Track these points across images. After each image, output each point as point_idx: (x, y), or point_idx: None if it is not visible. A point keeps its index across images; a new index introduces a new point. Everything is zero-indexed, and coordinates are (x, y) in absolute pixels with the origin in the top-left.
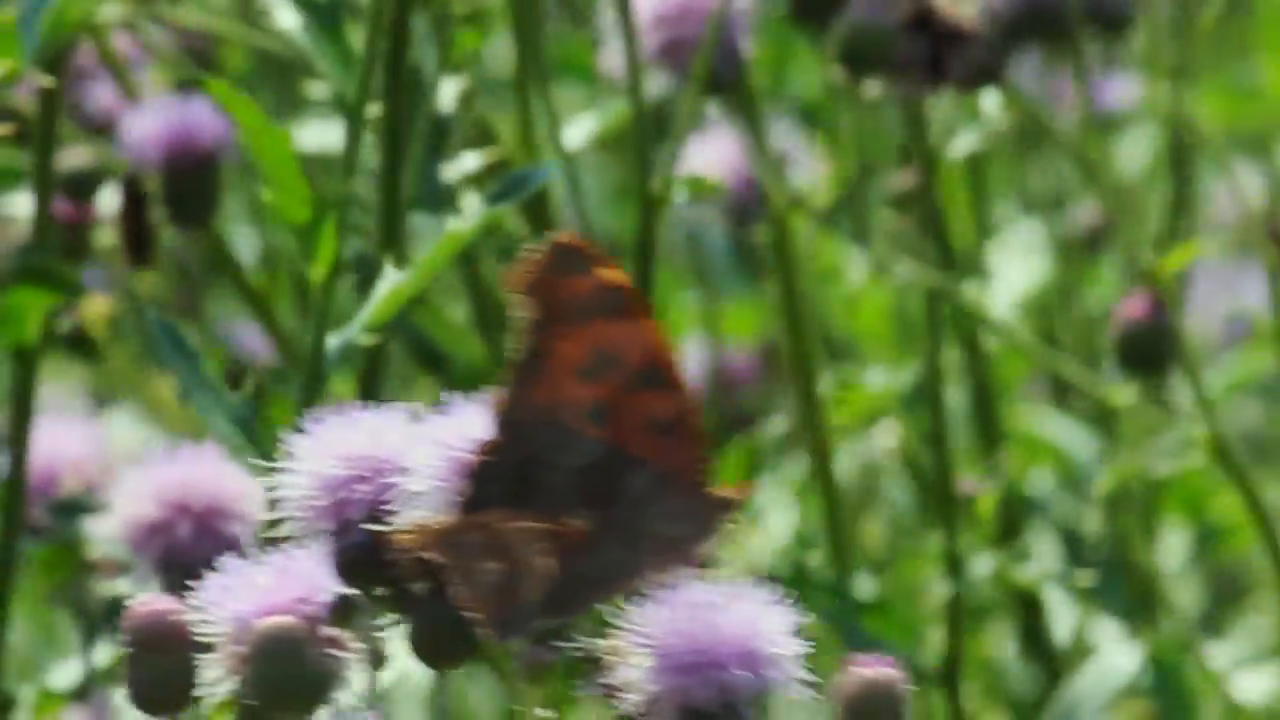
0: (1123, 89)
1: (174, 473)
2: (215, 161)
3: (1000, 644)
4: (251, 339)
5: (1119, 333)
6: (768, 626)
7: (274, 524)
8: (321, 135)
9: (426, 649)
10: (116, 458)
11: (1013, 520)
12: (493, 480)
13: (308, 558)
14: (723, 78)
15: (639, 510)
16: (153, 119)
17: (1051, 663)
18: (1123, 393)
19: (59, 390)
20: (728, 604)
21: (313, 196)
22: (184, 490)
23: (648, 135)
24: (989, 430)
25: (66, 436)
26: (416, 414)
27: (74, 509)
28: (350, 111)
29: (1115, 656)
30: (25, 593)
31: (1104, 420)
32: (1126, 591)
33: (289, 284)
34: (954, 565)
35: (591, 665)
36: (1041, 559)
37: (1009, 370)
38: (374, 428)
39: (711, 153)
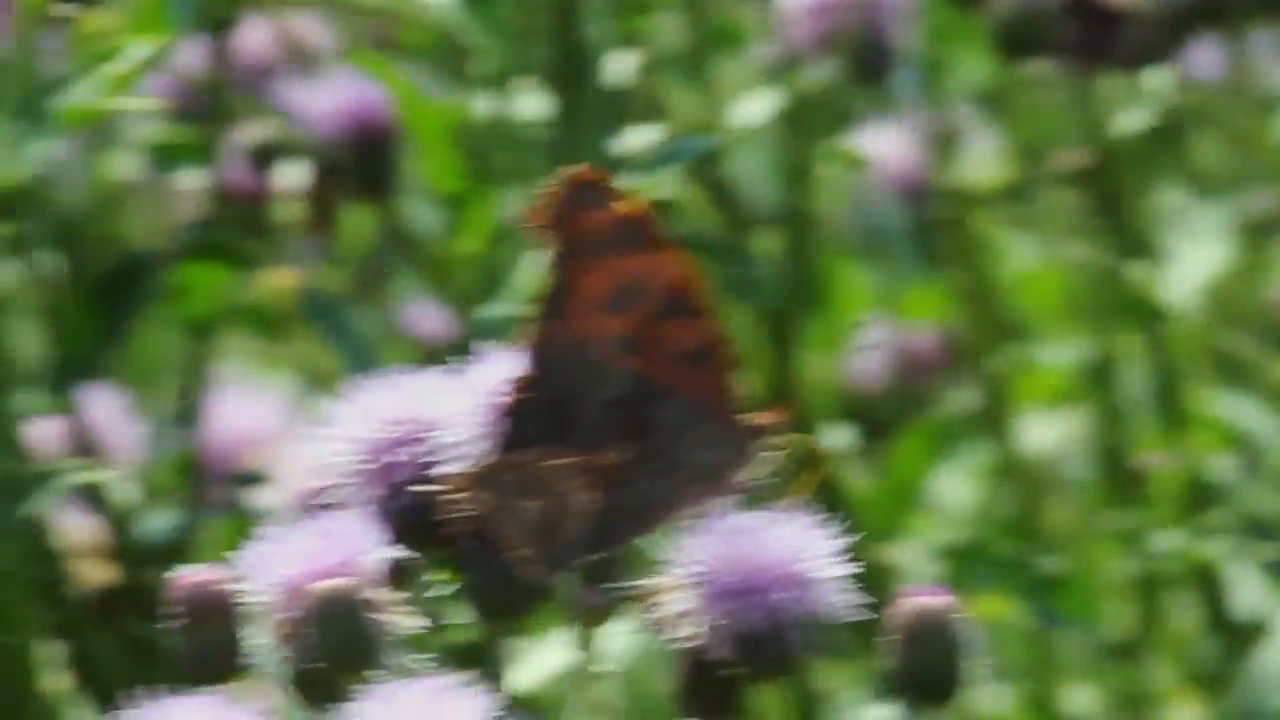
0: None
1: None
2: (394, 135)
3: (1183, 619)
4: (429, 316)
5: None
6: (812, 550)
7: (322, 491)
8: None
9: (484, 605)
10: (293, 430)
11: (1194, 501)
12: (527, 418)
13: (350, 521)
14: (876, 66)
15: (673, 440)
16: (334, 93)
17: (1233, 639)
18: None
19: (237, 364)
20: (771, 529)
21: (465, 168)
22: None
23: (813, 113)
24: (1171, 411)
25: (244, 410)
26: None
27: (250, 482)
28: (514, 85)
29: None
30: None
31: None
32: None
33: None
34: (1137, 541)
35: (642, 603)
36: (1223, 537)
37: (1188, 351)
38: (415, 389)
39: (888, 135)
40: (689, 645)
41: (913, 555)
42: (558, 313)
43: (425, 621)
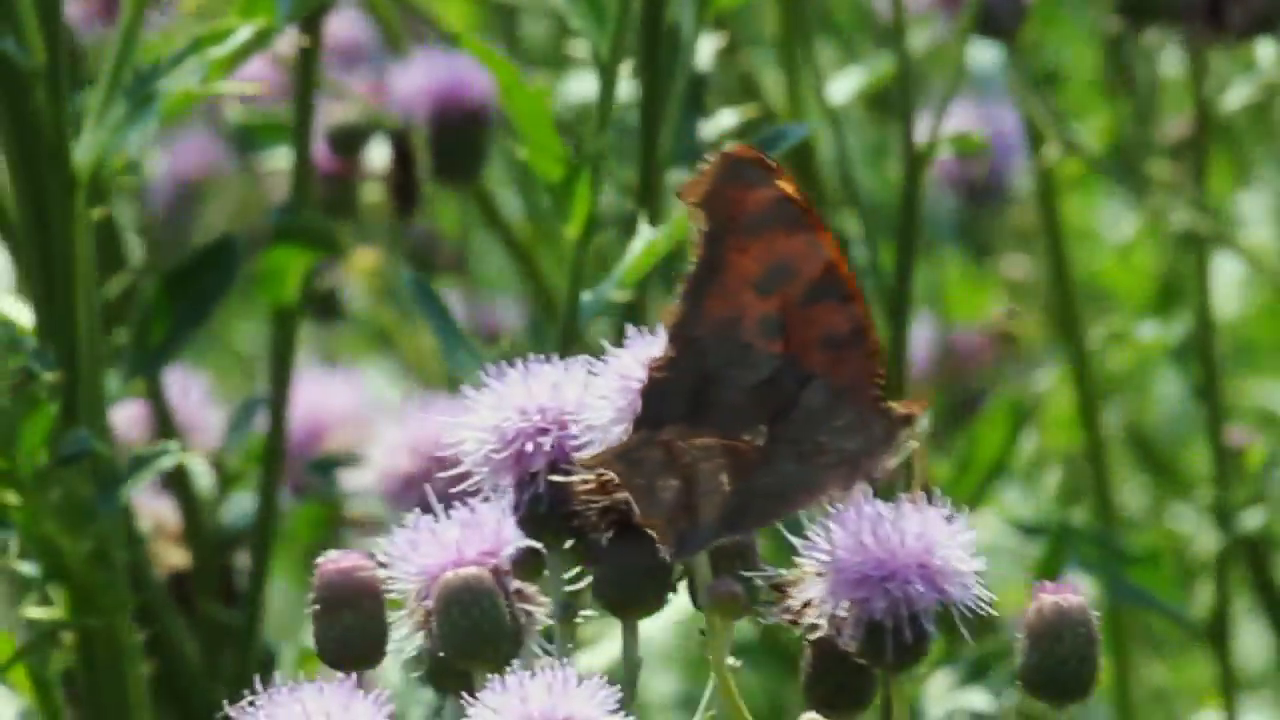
0: None
1: (429, 426)
2: (483, 117)
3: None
4: (506, 304)
5: None
6: (946, 541)
7: (460, 478)
8: (582, 90)
9: (613, 598)
10: (376, 413)
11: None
12: (669, 397)
13: (493, 511)
14: (1001, 22)
15: (814, 425)
16: (422, 74)
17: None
18: None
19: (321, 348)
20: (906, 519)
21: (567, 154)
22: (439, 443)
23: (912, 90)
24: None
25: (328, 393)
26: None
27: (333, 465)
28: (604, 68)
29: None
30: (286, 551)
31: None
32: None
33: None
34: (1223, 517)
35: (775, 592)
36: None
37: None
38: (555, 379)
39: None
40: (818, 633)
41: (994, 533)
42: (704, 292)
43: (557, 613)
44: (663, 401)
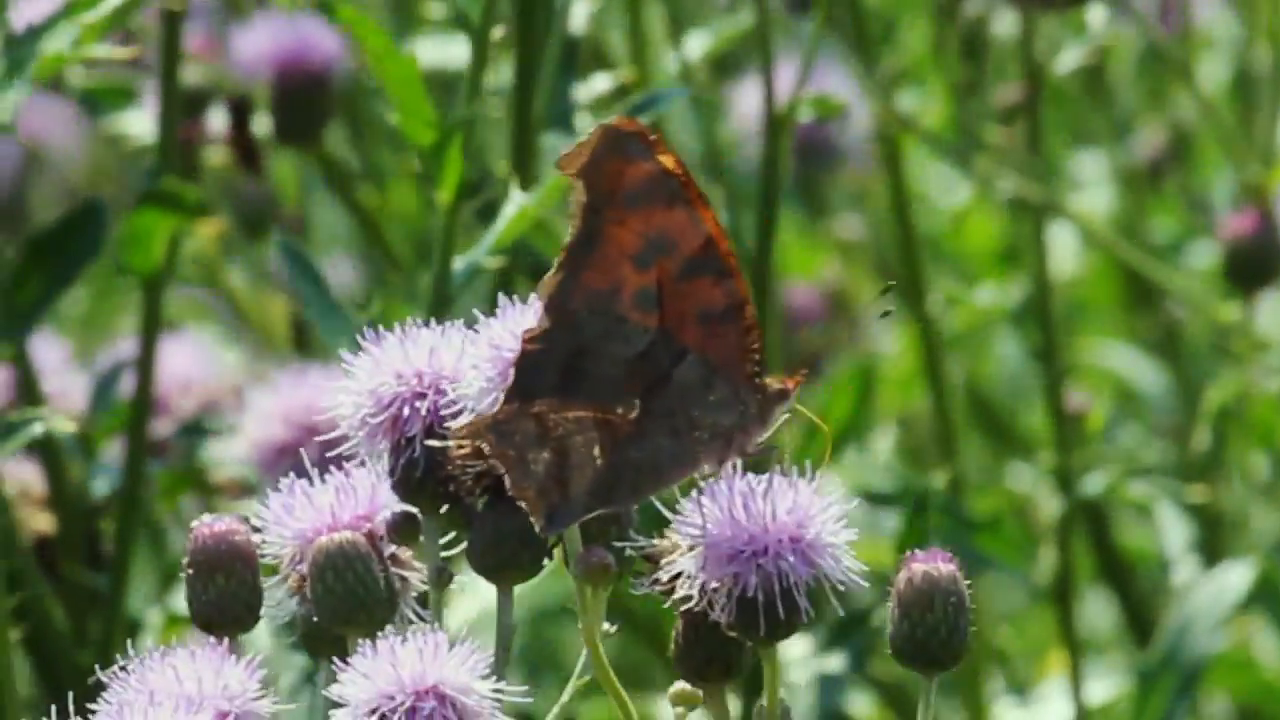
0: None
1: (302, 394)
2: (326, 80)
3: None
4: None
5: (1226, 247)
6: (818, 515)
7: (335, 443)
8: (439, 53)
9: (488, 563)
10: (236, 380)
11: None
12: (542, 369)
13: (367, 476)
14: None
15: (688, 400)
16: (264, 37)
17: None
18: (1229, 308)
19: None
20: (778, 493)
21: (438, 119)
22: (312, 411)
23: (769, 54)
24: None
25: (185, 358)
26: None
27: (200, 430)
28: (475, 32)
29: (1229, 574)
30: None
31: (1173, 341)
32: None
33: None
34: (1064, 482)
35: (647, 564)
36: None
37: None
38: (432, 344)
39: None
40: (689, 606)
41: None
42: (582, 264)
43: (431, 577)
44: (536, 373)
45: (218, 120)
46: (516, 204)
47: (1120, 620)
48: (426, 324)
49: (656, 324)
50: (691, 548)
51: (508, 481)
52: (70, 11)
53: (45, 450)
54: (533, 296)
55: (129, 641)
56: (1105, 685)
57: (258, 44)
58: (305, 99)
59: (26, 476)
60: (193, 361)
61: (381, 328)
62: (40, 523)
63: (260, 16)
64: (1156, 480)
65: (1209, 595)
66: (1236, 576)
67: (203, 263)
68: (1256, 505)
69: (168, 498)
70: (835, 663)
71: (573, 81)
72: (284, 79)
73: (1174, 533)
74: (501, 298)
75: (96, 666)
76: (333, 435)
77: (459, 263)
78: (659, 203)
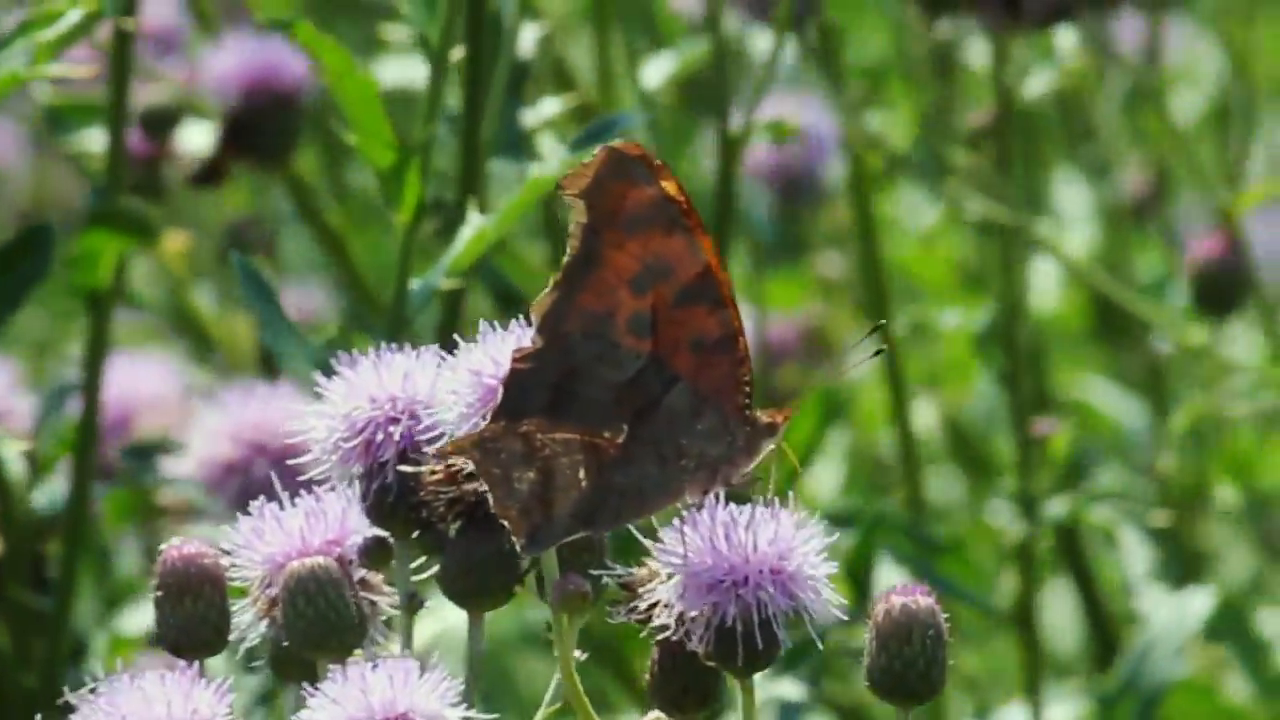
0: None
1: (250, 412)
2: (295, 100)
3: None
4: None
5: (1193, 272)
6: (799, 547)
7: (307, 467)
8: (398, 74)
9: (459, 588)
10: (190, 398)
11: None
12: (532, 389)
13: (338, 500)
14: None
15: (676, 427)
16: (233, 57)
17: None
18: (1196, 333)
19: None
20: (759, 524)
21: (396, 141)
22: (261, 430)
23: (726, 76)
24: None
25: (141, 377)
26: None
27: (148, 452)
28: (433, 55)
29: (1191, 600)
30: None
31: (1155, 379)
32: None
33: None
34: (1027, 506)
35: (625, 592)
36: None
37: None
38: (406, 369)
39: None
40: (667, 634)
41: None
42: (578, 285)
43: (402, 603)
44: (525, 392)
45: (192, 137)
46: (474, 227)
47: (1090, 646)
48: (385, 346)
49: (649, 350)
50: (670, 576)
51: (491, 500)
52: (25, 30)
53: None
54: (513, 323)
55: (72, 664)
56: (1066, 709)
57: (227, 65)
58: (272, 119)
59: None
60: (153, 382)
61: (341, 351)
62: None
63: (229, 37)
64: (1119, 504)
65: (1170, 621)
66: (1198, 603)
67: (169, 283)
68: (1226, 535)
69: (114, 519)
70: (789, 687)
71: (520, 106)
72: (251, 100)
73: (1136, 557)
74: (483, 324)
75: (64, 689)
76: (306, 460)
77: (415, 284)
78: (659, 228)
